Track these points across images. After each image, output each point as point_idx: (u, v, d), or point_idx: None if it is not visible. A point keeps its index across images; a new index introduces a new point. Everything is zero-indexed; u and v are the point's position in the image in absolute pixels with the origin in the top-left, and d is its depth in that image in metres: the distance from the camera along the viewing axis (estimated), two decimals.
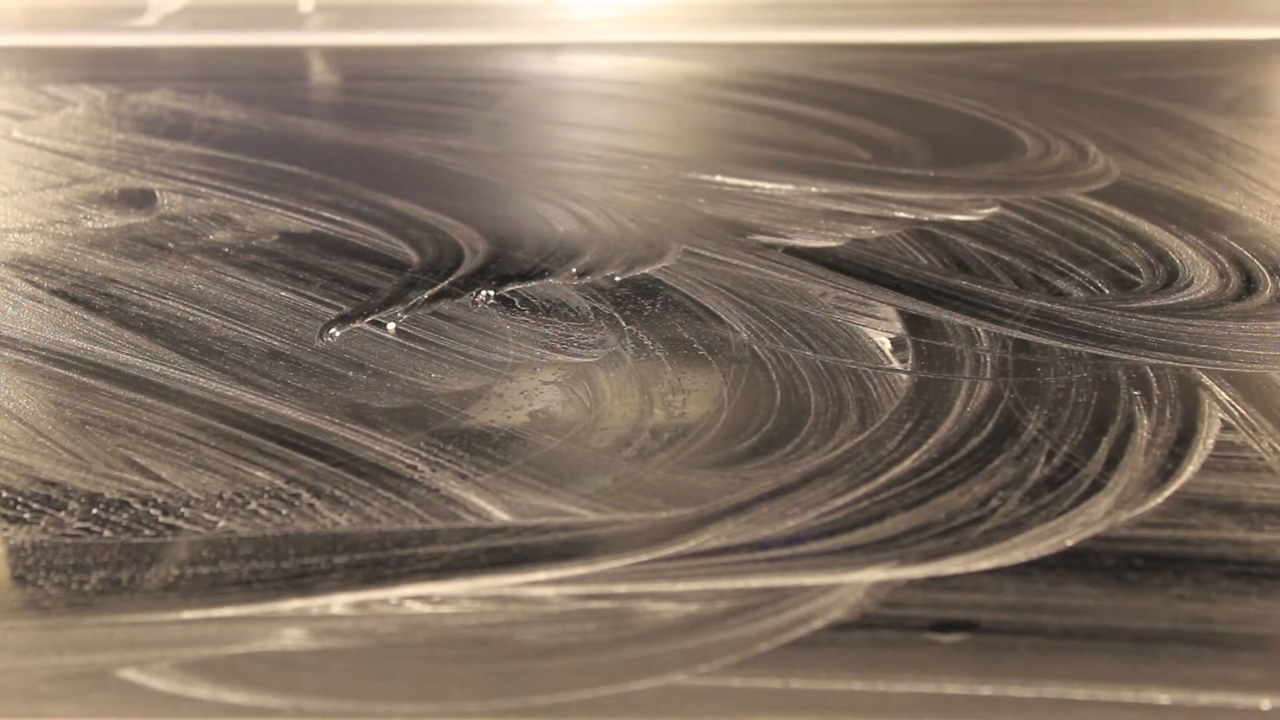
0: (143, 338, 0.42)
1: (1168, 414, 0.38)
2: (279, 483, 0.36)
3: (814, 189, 0.53)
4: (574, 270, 0.46)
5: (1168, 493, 0.34)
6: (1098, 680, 0.29)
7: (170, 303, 0.45)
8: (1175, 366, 0.40)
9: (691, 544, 0.33)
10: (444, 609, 0.31)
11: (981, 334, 0.42)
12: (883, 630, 0.31)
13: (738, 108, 0.67)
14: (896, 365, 0.40)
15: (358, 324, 0.43)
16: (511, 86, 0.69)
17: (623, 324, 0.43)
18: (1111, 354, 0.40)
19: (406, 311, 0.44)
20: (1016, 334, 0.42)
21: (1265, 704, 0.28)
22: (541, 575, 0.32)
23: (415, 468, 0.36)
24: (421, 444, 0.37)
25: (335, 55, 0.71)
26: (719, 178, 0.55)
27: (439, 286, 0.45)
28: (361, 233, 0.50)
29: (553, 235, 0.49)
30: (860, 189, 0.53)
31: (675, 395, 0.39)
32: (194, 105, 0.63)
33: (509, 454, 0.37)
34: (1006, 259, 0.47)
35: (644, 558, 0.33)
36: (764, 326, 0.42)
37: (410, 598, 0.32)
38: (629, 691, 0.29)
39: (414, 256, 0.48)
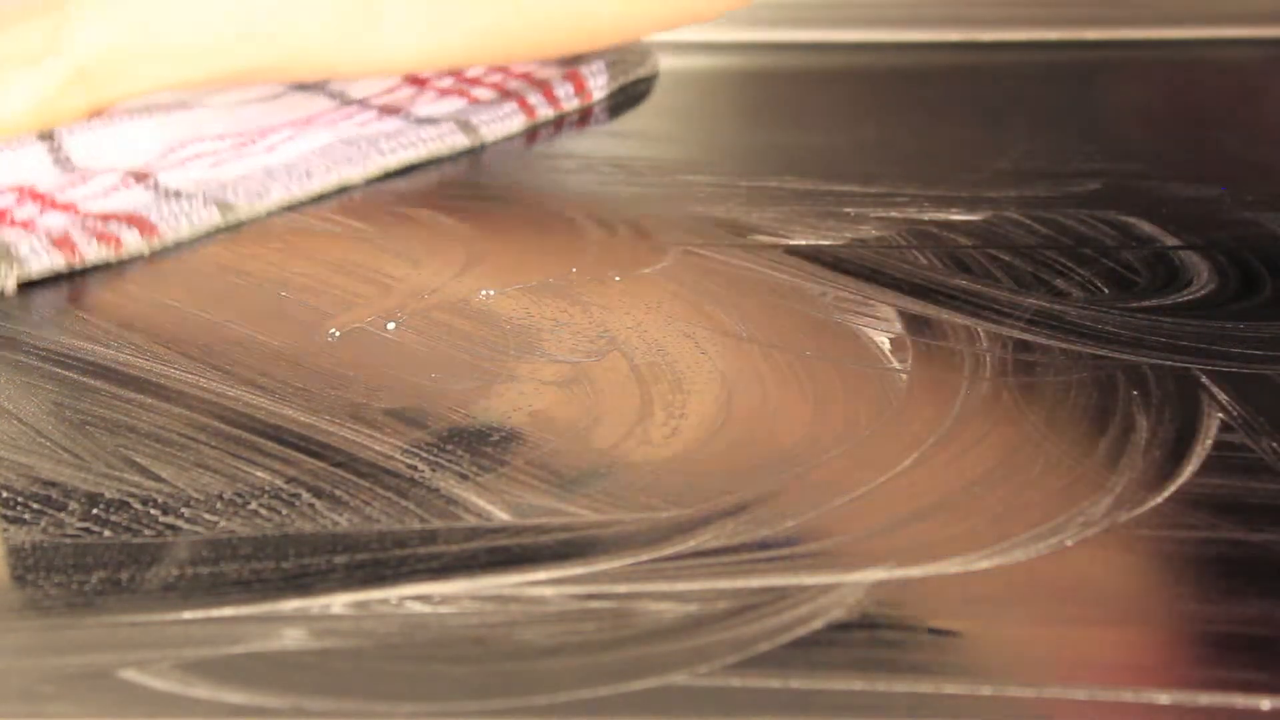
0: (143, 338, 0.42)
1: (1167, 414, 0.38)
2: (279, 483, 0.36)
3: (814, 188, 0.53)
4: (573, 269, 0.46)
5: (1167, 493, 0.34)
6: (1098, 680, 0.29)
7: (171, 303, 0.45)
8: (1174, 366, 0.40)
9: (691, 544, 0.33)
10: (444, 609, 0.31)
11: (981, 334, 0.42)
12: (883, 630, 0.31)
13: (737, 107, 0.67)
14: (896, 365, 0.40)
15: (358, 324, 0.43)
16: None
17: (623, 323, 0.43)
18: (1111, 354, 0.40)
19: (406, 311, 0.44)
20: (1016, 334, 0.42)
21: (1265, 704, 0.28)
22: (541, 575, 0.32)
23: (415, 468, 0.36)
24: (421, 444, 0.37)
25: None
26: (718, 177, 0.55)
27: (439, 286, 0.45)
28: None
29: (552, 236, 0.49)
30: (860, 188, 0.53)
31: (675, 395, 0.39)
32: None
33: (509, 454, 0.37)
34: (1006, 259, 0.47)
35: (644, 558, 0.33)
36: (763, 326, 0.42)
37: (410, 598, 0.32)
38: (629, 691, 0.29)
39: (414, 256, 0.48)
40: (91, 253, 0.47)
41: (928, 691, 0.29)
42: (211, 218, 0.49)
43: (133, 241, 0.47)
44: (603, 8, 0.57)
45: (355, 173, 0.53)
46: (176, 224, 0.48)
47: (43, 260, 0.46)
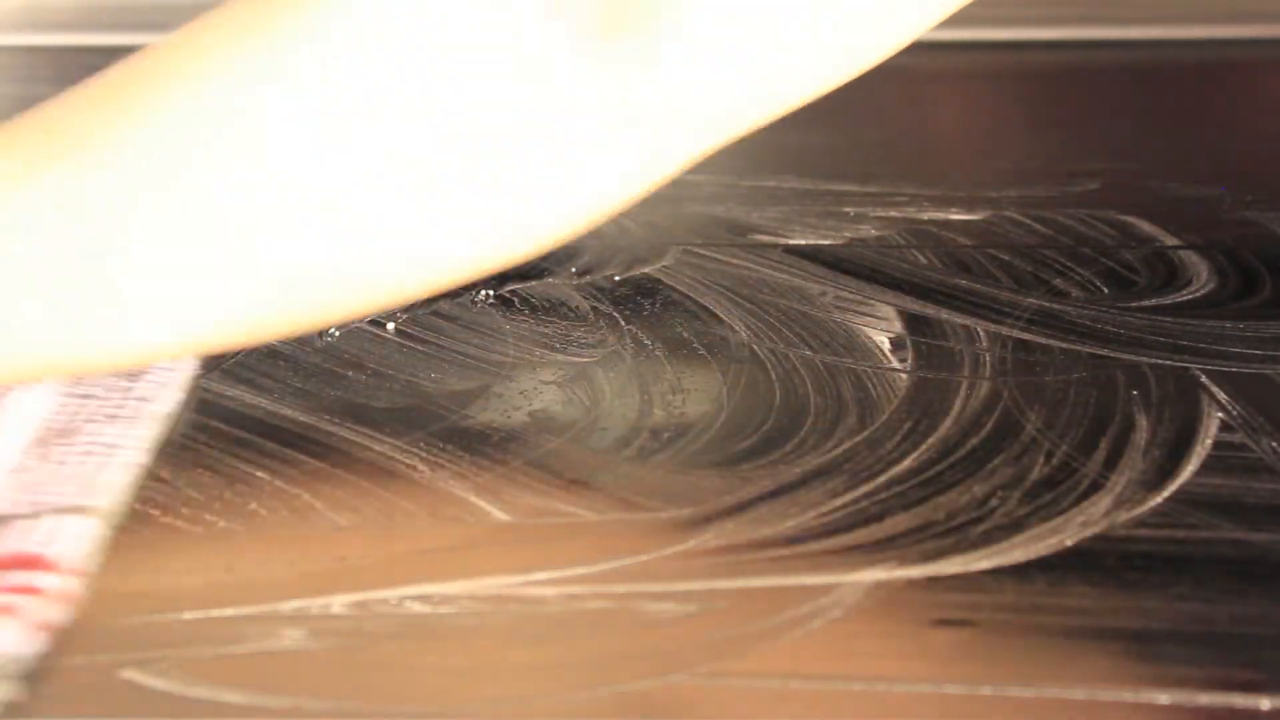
0: None
1: (1166, 414, 0.38)
2: (279, 483, 0.36)
3: (813, 188, 0.53)
4: (573, 269, 0.46)
5: (1167, 493, 0.34)
6: (1098, 680, 0.29)
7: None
8: (1174, 366, 0.40)
9: (691, 544, 0.33)
10: (444, 609, 0.31)
11: (981, 333, 0.42)
12: (883, 630, 0.31)
13: None
14: (896, 365, 0.40)
15: (357, 324, 0.43)
16: None
17: (622, 323, 0.43)
18: (1110, 353, 0.40)
19: (406, 311, 0.44)
20: (1016, 333, 0.42)
21: (1265, 704, 0.28)
22: (541, 575, 0.32)
23: (415, 468, 0.36)
24: (421, 444, 0.37)
25: None
26: (718, 177, 0.55)
27: None
28: None
29: None
30: (859, 188, 0.53)
31: (675, 395, 0.39)
32: None
33: (509, 454, 0.37)
34: (1006, 259, 0.47)
35: (644, 558, 0.33)
36: (763, 326, 0.42)
37: (410, 598, 0.32)
38: (629, 691, 0.29)
39: None
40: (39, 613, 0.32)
41: (928, 691, 0.29)
42: (92, 528, 0.34)
43: (58, 583, 0.32)
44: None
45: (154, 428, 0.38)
46: (73, 548, 0.33)
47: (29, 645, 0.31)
